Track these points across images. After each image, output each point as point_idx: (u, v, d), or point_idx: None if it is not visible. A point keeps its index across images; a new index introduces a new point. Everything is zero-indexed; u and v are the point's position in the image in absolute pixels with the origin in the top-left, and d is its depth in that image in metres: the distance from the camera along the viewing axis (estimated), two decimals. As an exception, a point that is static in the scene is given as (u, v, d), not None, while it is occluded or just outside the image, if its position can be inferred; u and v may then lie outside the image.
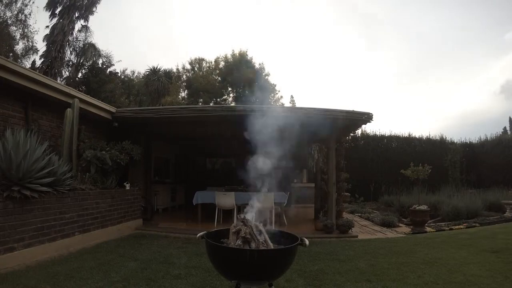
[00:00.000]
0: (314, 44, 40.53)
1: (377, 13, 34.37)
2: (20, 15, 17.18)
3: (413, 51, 37.74)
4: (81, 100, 5.98)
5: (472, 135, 29.78)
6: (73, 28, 18.61)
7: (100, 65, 18.09)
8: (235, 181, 10.01)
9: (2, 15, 16.71)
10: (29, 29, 17.67)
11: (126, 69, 23.01)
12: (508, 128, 26.85)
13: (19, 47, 17.88)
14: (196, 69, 24.43)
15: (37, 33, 18.29)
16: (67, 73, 18.52)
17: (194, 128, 7.53)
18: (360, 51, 40.77)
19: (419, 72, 40.30)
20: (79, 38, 18.90)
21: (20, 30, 17.45)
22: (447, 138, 15.66)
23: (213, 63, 24.36)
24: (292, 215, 8.99)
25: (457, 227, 7.39)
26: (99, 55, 18.50)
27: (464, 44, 36.63)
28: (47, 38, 17.78)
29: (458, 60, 38.12)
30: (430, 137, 15.60)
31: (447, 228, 7.31)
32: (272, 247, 2.30)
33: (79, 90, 10.69)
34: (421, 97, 42.71)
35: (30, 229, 3.97)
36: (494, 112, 43.42)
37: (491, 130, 47.51)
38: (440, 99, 42.45)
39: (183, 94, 24.29)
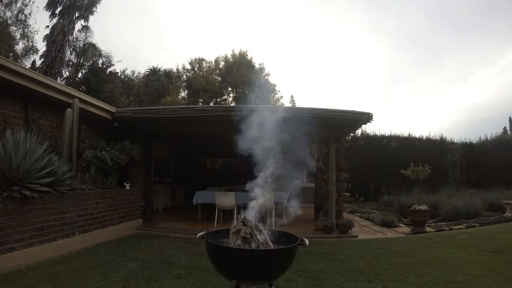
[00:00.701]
0: (314, 44, 40.53)
1: (378, 12, 34.38)
2: (20, 15, 17.17)
3: (414, 50, 37.75)
4: (81, 100, 5.98)
5: (472, 135, 29.80)
6: (73, 28, 18.57)
7: (100, 65, 18.05)
8: (235, 181, 10.02)
9: (2, 15, 16.69)
10: (29, 29, 17.65)
11: (126, 69, 23.00)
12: (508, 128, 26.83)
13: (19, 47, 17.87)
14: (196, 69, 24.44)
15: (37, 33, 18.27)
16: (67, 73, 18.50)
17: (194, 128, 7.53)
18: (360, 51, 40.78)
19: (419, 72, 40.31)
20: (79, 38, 18.88)
21: (20, 30, 17.44)
22: (447, 138, 15.66)
23: (213, 63, 24.39)
24: (292, 215, 8.99)
25: (457, 227, 7.39)
26: (99, 55, 18.47)
27: (466, 36, 36.64)
28: (47, 38, 17.75)
29: (458, 58, 38.13)
30: (430, 137, 15.59)
31: (447, 228, 7.31)
32: (272, 247, 2.30)
33: (79, 90, 10.69)
34: (421, 97, 42.71)
35: (30, 229, 3.97)
36: (495, 111, 43.40)
37: (491, 130, 47.51)
38: (440, 99, 42.43)
39: (183, 94, 24.30)
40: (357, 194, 12.80)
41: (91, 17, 19.03)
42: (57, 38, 17.32)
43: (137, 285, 3.26)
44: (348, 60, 40.90)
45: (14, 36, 17.40)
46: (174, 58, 42.31)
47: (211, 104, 21.56)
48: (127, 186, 6.50)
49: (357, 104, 45.23)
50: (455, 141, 15.60)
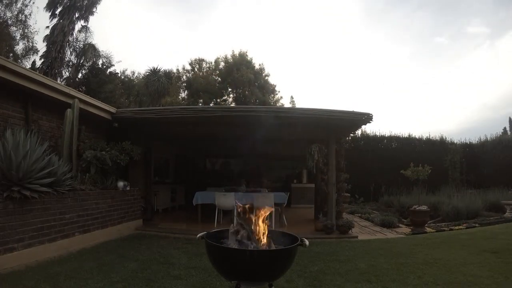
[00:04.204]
0: (315, 44, 40.55)
1: (378, 11, 34.40)
2: (20, 15, 17.16)
3: (415, 49, 37.77)
4: (81, 101, 5.98)
5: (472, 135, 29.82)
6: (73, 29, 18.56)
7: (100, 66, 18.06)
8: (235, 182, 10.03)
9: (2, 15, 16.70)
10: (29, 29, 17.63)
11: (126, 70, 22.99)
12: (508, 128, 26.85)
13: (19, 47, 17.85)
14: (196, 70, 24.44)
15: (37, 34, 18.26)
16: (67, 73, 18.49)
17: (194, 128, 7.53)
18: (360, 51, 40.80)
19: (419, 71, 40.33)
20: (79, 38, 18.88)
21: (20, 31, 17.43)
22: (447, 139, 15.66)
23: (213, 63, 24.39)
24: (292, 216, 8.99)
25: (457, 227, 7.39)
26: (99, 56, 18.47)
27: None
28: (47, 38, 17.75)
29: (459, 56, 38.15)
30: (430, 138, 15.59)
31: (447, 229, 7.30)
32: (272, 248, 2.29)
33: (79, 91, 10.68)
34: (421, 97, 42.71)
35: (30, 229, 3.97)
36: (495, 111, 43.38)
37: (491, 130, 47.51)
38: (440, 99, 42.44)
39: (183, 94, 24.29)
40: (357, 194, 12.80)
41: (91, 18, 19.07)
42: (57, 38, 17.32)
43: (137, 285, 3.26)
44: (348, 61, 40.95)
45: (14, 36, 17.41)
46: (174, 59, 42.27)
47: (211, 104, 21.56)
48: (120, 185, 6.24)
49: (357, 104, 45.18)
50: (455, 142, 15.62)
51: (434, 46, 36.00)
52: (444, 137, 15.66)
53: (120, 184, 6.20)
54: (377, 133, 15.39)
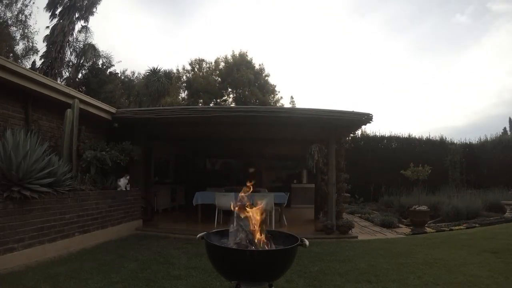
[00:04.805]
0: (315, 44, 40.55)
1: (379, 12, 34.40)
2: (20, 15, 17.17)
3: (415, 51, 37.78)
4: (81, 101, 5.98)
5: (472, 135, 29.83)
6: (73, 29, 18.55)
7: (100, 66, 18.05)
8: (235, 182, 10.04)
9: (2, 15, 16.71)
10: (29, 29, 17.64)
11: (126, 70, 22.93)
12: (508, 129, 26.85)
13: (19, 47, 17.86)
14: (196, 70, 24.45)
15: (37, 34, 18.24)
16: (67, 73, 18.48)
17: (194, 128, 7.54)
18: (360, 51, 40.80)
19: (419, 71, 40.32)
20: (79, 38, 18.87)
21: (20, 31, 17.44)
22: (447, 139, 15.66)
23: (213, 63, 24.40)
24: (292, 216, 9.00)
25: (457, 227, 7.39)
26: (99, 56, 18.46)
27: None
28: (47, 38, 17.74)
29: (459, 54, 38.15)
30: (430, 138, 15.57)
31: (447, 229, 7.30)
32: (272, 248, 2.29)
33: (79, 91, 10.68)
34: (421, 97, 42.71)
35: (30, 229, 3.97)
36: (495, 111, 43.38)
37: (491, 130, 47.52)
38: (440, 99, 42.44)
39: (183, 94, 24.30)
40: (357, 194, 12.79)
41: (91, 18, 19.06)
42: (57, 38, 17.31)
43: (137, 285, 3.26)
44: (348, 61, 40.95)
45: (14, 36, 17.42)
46: (174, 59, 42.26)
47: (211, 104, 21.56)
48: (121, 182, 6.22)
49: (357, 104, 45.20)
50: (455, 142, 15.60)
51: (434, 44, 36.00)
52: (444, 137, 15.66)
53: (121, 181, 6.15)
54: (377, 133, 15.40)
